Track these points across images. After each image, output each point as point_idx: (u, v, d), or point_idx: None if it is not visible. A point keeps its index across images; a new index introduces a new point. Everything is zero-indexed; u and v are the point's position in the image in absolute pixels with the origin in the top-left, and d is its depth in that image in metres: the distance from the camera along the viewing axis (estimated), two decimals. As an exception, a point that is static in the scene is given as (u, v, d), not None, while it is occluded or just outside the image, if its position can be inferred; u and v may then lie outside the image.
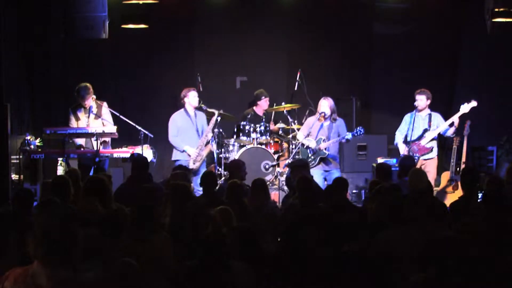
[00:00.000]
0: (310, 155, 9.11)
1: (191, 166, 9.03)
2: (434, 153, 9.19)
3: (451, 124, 9.07)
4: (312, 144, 9.06)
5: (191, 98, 9.32)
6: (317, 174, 8.99)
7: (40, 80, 10.64)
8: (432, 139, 9.17)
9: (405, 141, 9.30)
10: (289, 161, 9.28)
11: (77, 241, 3.48)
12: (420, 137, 9.17)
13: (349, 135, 8.95)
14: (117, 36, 9.58)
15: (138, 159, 7.66)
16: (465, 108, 9.06)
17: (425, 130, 9.18)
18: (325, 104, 9.10)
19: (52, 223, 3.47)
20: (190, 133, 9.30)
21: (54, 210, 5.17)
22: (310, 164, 9.03)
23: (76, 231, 3.50)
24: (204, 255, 4.19)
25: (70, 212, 5.28)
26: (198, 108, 9.46)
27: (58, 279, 3.38)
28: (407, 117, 9.38)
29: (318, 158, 9.03)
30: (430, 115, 9.25)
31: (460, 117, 9.09)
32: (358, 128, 9.02)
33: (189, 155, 9.21)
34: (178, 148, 9.33)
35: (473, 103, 9.05)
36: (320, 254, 4.45)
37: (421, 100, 9.20)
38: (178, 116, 9.41)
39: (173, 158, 9.38)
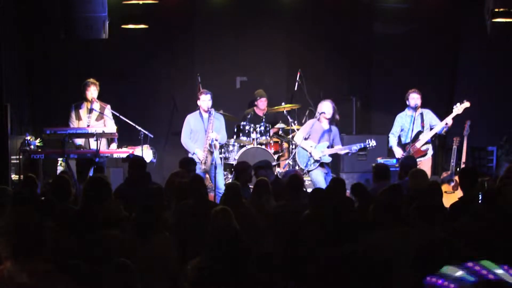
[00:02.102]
0: (309, 158, 9.08)
1: (202, 167, 9.03)
2: (429, 154, 9.21)
3: (445, 125, 9.10)
4: (316, 155, 8.99)
5: (202, 101, 9.28)
6: (320, 172, 9.00)
7: (40, 80, 10.66)
8: (427, 142, 9.19)
9: (399, 143, 9.31)
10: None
11: (47, 233, 3.48)
12: (415, 139, 9.16)
13: (356, 146, 8.92)
14: (117, 36, 9.59)
15: (134, 159, 7.66)
16: (458, 109, 9.06)
17: (419, 132, 9.18)
18: (327, 105, 9.05)
19: (23, 218, 3.46)
20: (201, 135, 9.28)
21: (21, 205, 5.15)
22: (309, 167, 9.00)
23: (44, 224, 3.50)
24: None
25: (36, 205, 5.29)
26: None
27: (39, 273, 3.37)
28: (399, 119, 9.37)
29: (318, 164, 9.00)
30: (421, 114, 9.26)
31: (456, 117, 9.10)
32: (370, 139, 9.00)
33: (198, 158, 9.21)
34: (188, 151, 9.33)
35: (466, 104, 9.03)
36: (320, 255, 4.45)
37: (418, 99, 9.21)
38: (192, 118, 9.36)
39: None
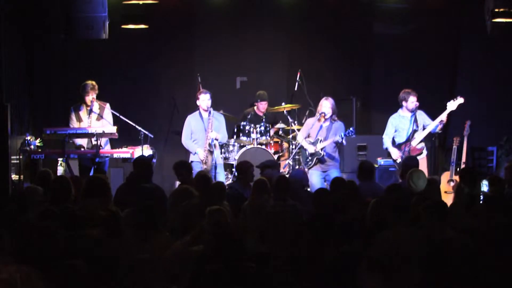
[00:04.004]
0: (308, 155, 9.14)
1: (203, 167, 9.04)
2: (424, 153, 9.21)
3: (440, 122, 9.09)
4: (311, 149, 9.08)
5: (201, 101, 9.31)
6: (315, 175, 9.02)
7: (40, 80, 10.66)
8: (422, 140, 9.19)
9: (394, 144, 9.29)
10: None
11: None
12: (409, 138, 9.16)
13: (338, 138, 8.93)
14: (117, 36, 9.58)
15: (138, 159, 7.68)
16: (451, 105, 9.03)
17: (414, 131, 9.17)
18: (327, 105, 9.10)
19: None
20: (201, 135, 9.29)
21: None
22: (308, 165, 9.07)
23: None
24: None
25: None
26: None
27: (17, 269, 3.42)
28: (393, 120, 9.32)
29: (315, 159, 9.06)
30: (414, 115, 9.25)
31: (456, 117, 9.10)
32: (350, 129, 9.00)
33: (200, 158, 9.21)
34: (190, 151, 9.34)
35: (460, 100, 9.00)
36: (320, 255, 4.45)
37: (416, 101, 9.19)
38: (192, 119, 9.39)
39: (189, 160, 9.40)
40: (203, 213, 5.28)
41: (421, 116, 9.24)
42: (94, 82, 8.94)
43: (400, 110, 9.30)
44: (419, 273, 3.94)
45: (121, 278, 4.04)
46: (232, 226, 5.30)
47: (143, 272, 4.07)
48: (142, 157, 8.07)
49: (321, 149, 9.03)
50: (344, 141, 9.00)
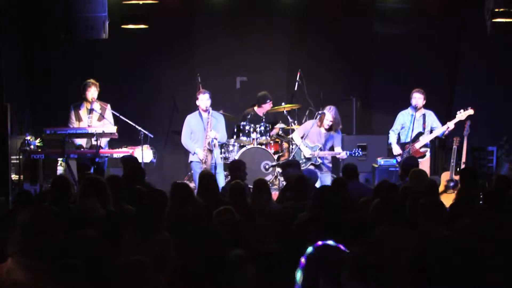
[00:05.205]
0: (302, 158, 9.28)
1: (202, 167, 9.04)
2: (427, 155, 9.26)
3: (447, 129, 9.17)
4: (307, 153, 9.20)
5: (200, 100, 9.31)
6: None
7: (40, 80, 10.66)
8: (425, 145, 9.23)
9: (399, 142, 9.36)
10: (280, 162, 9.45)
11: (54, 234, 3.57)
12: (414, 140, 9.20)
13: (344, 154, 9.17)
14: (117, 36, 9.59)
15: (128, 159, 7.67)
16: (461, 115, 9.14)
17: (420, 133, 9.22)
18: (328, 116, 9.23)
19: (29, 218, 3.54)
20: (201, 135, 9.29)
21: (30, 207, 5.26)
22: (302, 165, 9.15)
23: (52, 225, 3.58)
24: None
25: (45, 208, 5.34)
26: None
27: (39, 272, 3.43)
28: (401, 116, 9.43)
29: (309, 163, 9.14)
30: (424, 115, 9.30)
31: (456, 122, 9.17)
32: (357, 149, 9.18)
33: (199, 158, 9.21)
34: (189, 150, 9.34)
35: (470, 111, 9.11)
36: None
37: (420, 99, 9.25)
38: (191, 118, 9.39)
39: (189, 160, 9.41)
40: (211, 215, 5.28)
41: (430, 117, 9.31)
42: (95, 81, 8.95)
43: (409, 108, 9.39)
44: (410, 273, 3.93)
45: (119, 279, 4.02)
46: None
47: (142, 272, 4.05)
48: (130, 157, 8.07)
49: (319, 157, 9.20)
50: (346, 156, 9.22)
